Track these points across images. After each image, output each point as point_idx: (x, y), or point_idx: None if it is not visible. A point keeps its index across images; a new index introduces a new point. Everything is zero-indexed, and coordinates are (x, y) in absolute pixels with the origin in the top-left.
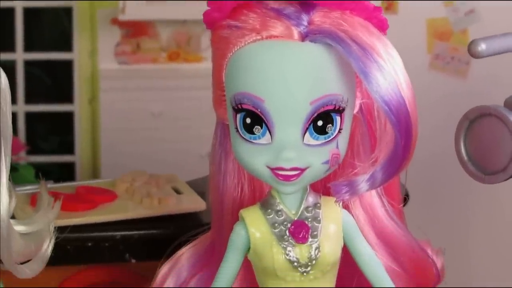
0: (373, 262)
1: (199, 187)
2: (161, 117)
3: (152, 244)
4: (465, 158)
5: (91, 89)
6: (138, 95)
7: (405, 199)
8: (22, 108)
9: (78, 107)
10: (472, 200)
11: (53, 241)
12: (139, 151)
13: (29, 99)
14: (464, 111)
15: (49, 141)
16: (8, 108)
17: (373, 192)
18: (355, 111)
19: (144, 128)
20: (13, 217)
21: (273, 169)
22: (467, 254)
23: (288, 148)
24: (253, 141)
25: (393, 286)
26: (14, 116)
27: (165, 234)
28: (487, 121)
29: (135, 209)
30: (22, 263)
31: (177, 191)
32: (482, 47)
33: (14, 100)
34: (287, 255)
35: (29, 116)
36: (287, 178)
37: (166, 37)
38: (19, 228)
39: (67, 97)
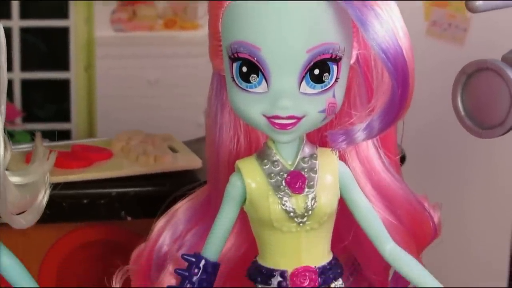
0: (370, 214)
1: (195, 146)
2: (157, 84)
3: (147, 201)
4: (463, 113)
5: (87, 57)
6: (134, 62)
7: (402, 160)
8: (18, 75)
9: (74, 75)
10: (469, 164)
11: (48, 192)
12: (135, 118)
13: (25, 67)
14: None
15: (45, 109)
16: (3, 58)
17: (370, 144)
18: (351, 62)
19: (140, 96)
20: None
21: (269, 118)
22: (463, 215)
23: (284, 96)
24: (249, 90)
25: (390, 238)
26: (10, 83)
27: (161, 192)
28: (485, 75)
29: (131, 166)
30: (17, 214)
31: (173, 150)
32: (480, 1)
33: (10, 68)
34: (283, 205)
35: (25, 83)
36: (283, 126)
37: (162, 5)
38: (14, 179)
39: (63, 65)
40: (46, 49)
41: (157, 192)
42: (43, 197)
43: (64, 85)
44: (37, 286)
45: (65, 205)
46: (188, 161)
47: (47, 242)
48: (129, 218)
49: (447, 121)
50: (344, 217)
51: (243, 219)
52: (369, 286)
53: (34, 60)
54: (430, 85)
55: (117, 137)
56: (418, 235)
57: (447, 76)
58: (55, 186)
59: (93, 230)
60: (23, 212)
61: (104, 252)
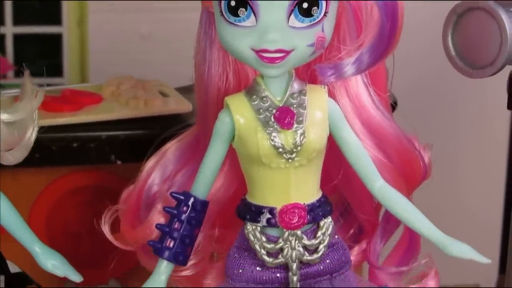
0: (359, 151)
1: (185, 93)
2: (150, 39)
3: (137, 145)
4: (453, 53)
5: (79, 11)
6: (127, 17)
7: (393, 107)
8: (10, 29)
9: (67, 29)
10: (461, 112)
11: (36, 129)
12: (128, 73)
13: (17, 21)
14: None
15: (37, 64)
16: None
17: (360, 81)
18: None
19: (133, 50)
20: None
21: (257, 52)
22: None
23: (272, 30)
24: (238, 23)
25: (380, 176)
26: (2, 37)
27: (151, 135)
28: (475, 15)
29: (121, 110)
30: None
31: (164, 95)
32: None
33: (2, 22)
34: (272, 140)
35: (17, 38)
36: (272, 60)
37: None
38: (2, 117)
39: (56, 19)
40: (39, 3)
41: (147, 136)
42: (31, 135)
43: (57, 39)
44: (28, 228)
45: (54, 149)
46: (179, 104)
47: (37, 188)
48: (119, 162)
49: (438, 64)
50: (333, 156)
51: (232, 159)
52: (359, 227)
53: (27, 15)
54: (422, 33)
55: (107, 82)
56: (408, 174)
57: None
58: (45, 130)
59: (83, 175)
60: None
61: (93, 198)
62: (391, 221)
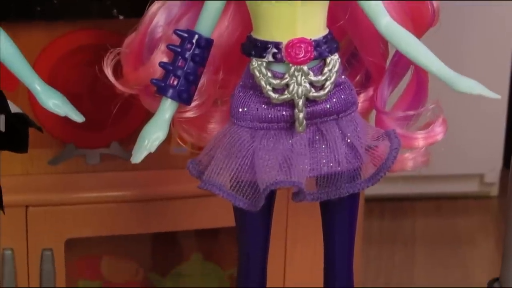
0: None
1: None
2: None
3: None
4: None
5: None
6: None
7: None
8: None
9: None
10: None
11: None
12: None
13: None
14: None
15: None
16: None
17: None
18: None
19: None
20: None
21: None
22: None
23: None
24: None
25: (387, 13)
26: None
27: None
28: None
29: None
30: None
31: None
32: None
33: None
34: None
35: None
36: None
37: None
38: None
39: None
40: None
41: None
42: None
43: None
44: (29, 65)
45: (56, 2)
46: None
47: (38, 47)
48: (121, 17)
49: None
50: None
51: (237, 3)
52: (366, 75)
53: None
54: None
55: None
56: (416, 17)
57: None
58: None
59: (85, 34)
60: None
61: (95, 57)
62: (399, 64)
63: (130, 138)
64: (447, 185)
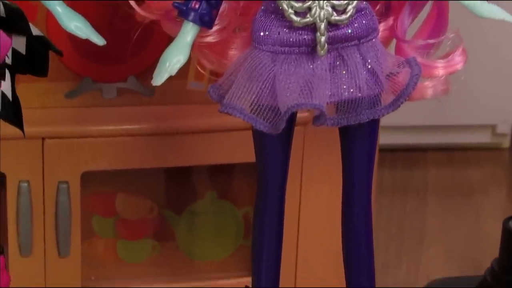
0: None
1: None
2: None
3: None
4: None
5: None
6: None
7: None
8: None
9: None
10: None
11: None
12: None
13: None
14: None
15: None
16: None
17: None
18: None
19: None
20: None
21: None
22: None
23: None
24: None
25: None
26: None
27: None
28: None
29: None
30: None
31: None
32: None
33: None
34: None
35: None
36: None
37: None
38: None
39: None
40: None
41: None
42: None
43: None
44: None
45: None
46: None
47: None
48: None
49: None
50: None
51: None
52: (386, 5)
53: None
54: None
55: None
56: None
57: None
58: None
59: None
60: None
61: None
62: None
63: (147, 72)
64: (459, 135)
